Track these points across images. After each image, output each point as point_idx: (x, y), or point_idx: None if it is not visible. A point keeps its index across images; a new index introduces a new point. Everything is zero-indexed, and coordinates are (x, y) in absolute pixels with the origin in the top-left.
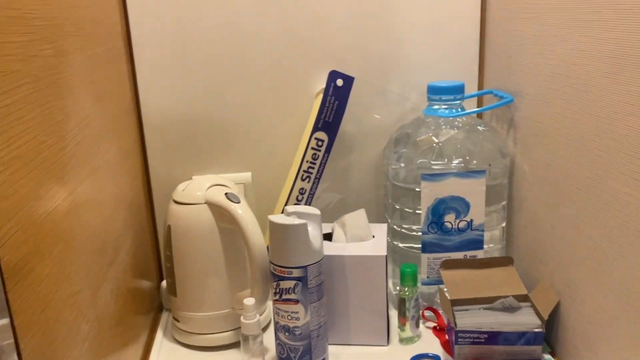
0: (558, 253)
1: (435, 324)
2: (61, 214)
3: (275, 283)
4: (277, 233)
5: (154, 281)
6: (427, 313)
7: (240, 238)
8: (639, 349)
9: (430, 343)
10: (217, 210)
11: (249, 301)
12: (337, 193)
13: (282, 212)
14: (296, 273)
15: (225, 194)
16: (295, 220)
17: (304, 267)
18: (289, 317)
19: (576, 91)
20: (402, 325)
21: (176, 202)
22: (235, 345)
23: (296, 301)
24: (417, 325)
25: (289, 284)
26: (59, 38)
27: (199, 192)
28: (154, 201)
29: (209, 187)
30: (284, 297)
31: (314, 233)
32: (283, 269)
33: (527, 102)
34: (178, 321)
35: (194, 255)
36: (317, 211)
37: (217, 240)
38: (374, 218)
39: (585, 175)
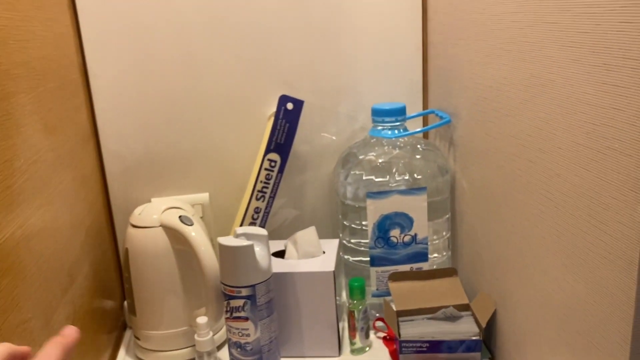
0: (493, 265)
1: (385, 334)
2: (9, 248)
3: (226, 302)
4: (225, 254)
5: (117, 301)
6: (378, 324)
7: (194, 259)
8: (557, 353)
9: (380, 353)
10: (172, 233)
11: (202, 319)
12: (293, 210)
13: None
14: (245, 292)
15: (180, 216)
16: (242, 242)
17: (252, 286)
18: (240, 334)
19: (500, 114)
20: (351, 337)
21: (133, 226)
22: None
23: (246, 318)
24: (367, 336)
25: (239, 302)
26: (5, 81)
27: (154, 215)
28: (115, 224)
29: (164, 210)
30: (234, 314)
31: (261, 253)
32: (232, 289)
33: (463, 123)
34: (139, 339)
35: (151, 277)
36: (264, 232)
37: (172, 261)
38: (328, 234)
39: (509, 192)
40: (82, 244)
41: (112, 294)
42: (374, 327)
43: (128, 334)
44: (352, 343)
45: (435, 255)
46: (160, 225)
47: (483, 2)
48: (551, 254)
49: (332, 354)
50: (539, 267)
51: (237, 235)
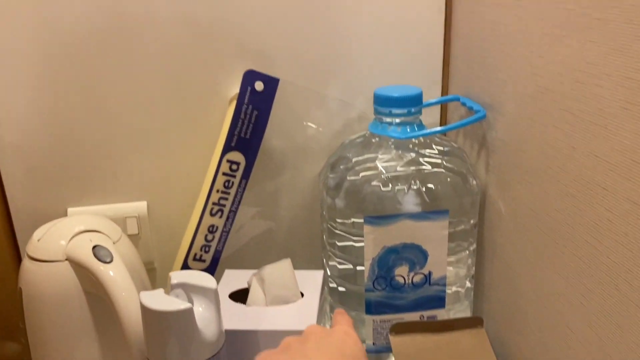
0: (543, 328)
1: None
2: None
3: None
4: (151, 321)
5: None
6: None
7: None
8: None
9: None
10: (83, 271)
11: None
12: (263, 224)
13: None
14: None
15: (94, 247)
16: (175, 304)
17: None
18: None
19: (577, 119)
20: None
21: (30, 258)
22: None
23: None
24: None
25: None
26: None
27: (61, 242)
28: (20, 247)
29: (73, 236)
30: None
31: (206, 316)
32: None
33: (505, 121)
34: None
35: (54, 330)
36: (212, 283)
37: (84, 310)
38: (311, 256)
39: (585, 238)
40: None
41: (13, 334)
42: None
43: None
44: None
45: (455, 288)
46: (66, 259)
47: None
48: (636, 323)
49: None
50: (619, 341)
51: (172, 287)
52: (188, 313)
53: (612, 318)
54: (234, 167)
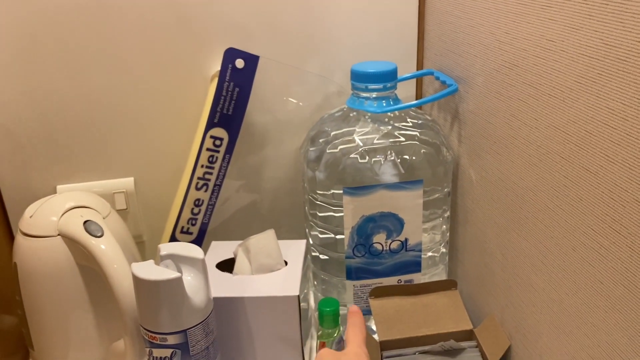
0: (510, 288)
1: None
2: None
3: (148, 349)
4: (143, 291)
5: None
6: None
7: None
8: None
9: None
10: (75, 245)
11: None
12: (248, 196)
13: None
14: (172, 340)
15: (85, 222)
16: (165, 273)
17: (183, 332)
18: None
19: (538, 92)
20: None
21: (23, 234)
22: None
23: None
24: None
25: (164, 352)
26: None
27: (53, 218)
28: (11, 223)
29: (64, 212)
30: None
31: (195, 284)
32: (154, 335)
33: (475, 94)
34: None
35: (49, 302)
36: (199, 253)
37: (78, 282)
38: (294, 226)
39: (545, 203)
40: None
41: (8, 307)
42: None
43: None
44: None
45: (430, 253)
46: (58, 235)
47: None
48: (590, 280)
49: None
50: (587, 305)
51: (162, 258)
52: (178, 282)
53: (569, 276)
54: (218, 142)
